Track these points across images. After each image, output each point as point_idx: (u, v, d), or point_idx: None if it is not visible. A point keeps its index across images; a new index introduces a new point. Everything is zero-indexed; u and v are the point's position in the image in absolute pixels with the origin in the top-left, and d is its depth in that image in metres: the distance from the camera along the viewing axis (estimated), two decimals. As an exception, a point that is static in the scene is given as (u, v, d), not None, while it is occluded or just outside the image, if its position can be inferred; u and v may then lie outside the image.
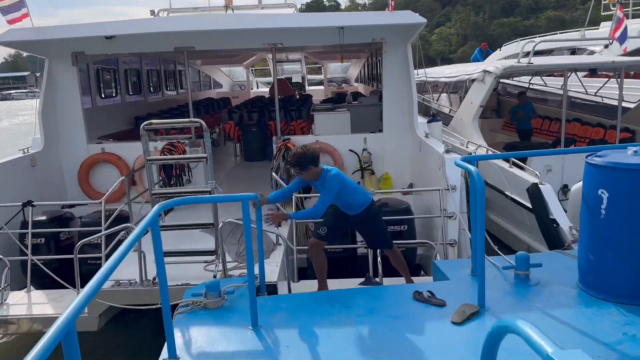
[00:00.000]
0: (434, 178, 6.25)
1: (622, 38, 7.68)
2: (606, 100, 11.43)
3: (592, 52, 14.53)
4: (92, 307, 4.93)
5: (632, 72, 9.22)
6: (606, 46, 13.73)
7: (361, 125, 8.89)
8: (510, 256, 4.55)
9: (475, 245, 4.25)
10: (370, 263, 5.54)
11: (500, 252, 4.62)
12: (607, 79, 11.77)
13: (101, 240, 5.54)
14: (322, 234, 4.84)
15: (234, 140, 10.74)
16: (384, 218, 5.99)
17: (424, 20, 6.99)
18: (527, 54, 9.11)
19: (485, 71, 8.69)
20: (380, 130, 8.40)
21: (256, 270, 4.41)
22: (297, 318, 3.77)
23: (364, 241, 6.56)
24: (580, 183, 7.27)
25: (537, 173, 6.69)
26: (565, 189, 8.24)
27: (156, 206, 3.11)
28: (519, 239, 7.65)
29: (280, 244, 5.46)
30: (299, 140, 8.30)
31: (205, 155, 4.78)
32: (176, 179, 7.08)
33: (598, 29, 15.08)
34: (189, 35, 7.53)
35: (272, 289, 4.65)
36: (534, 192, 6.42)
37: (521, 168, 7.37)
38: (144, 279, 4.87)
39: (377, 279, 5.16)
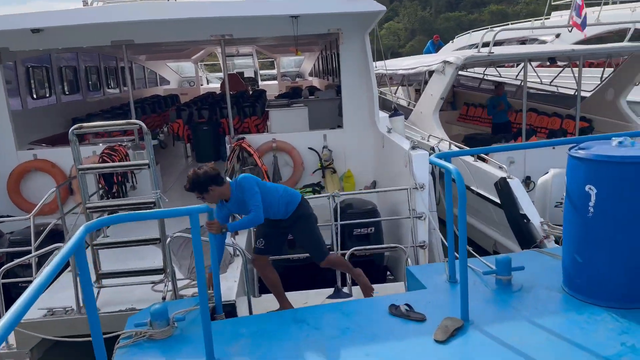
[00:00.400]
0: (400, 175, 5.89)
1: (583, 24, 7.58)
2: (561, 90, 11.48)
3: (543, 42, 14.66)
4: (22, 340, 4.27)
5: (582, 62, 9.18)
6: (557, 35, 13.88)
7: (320, 121, 8.45)
8: (487, 258, 4.24)
9: (450, 251, 3.92)
10: (338, 270, 5.12)
11: (476, 255, 4.27)
12: (562, 69, 11.82)
13: (32, 261, 4.85)
14: (261, 247, 4.40)
15: (184, 140, 10.04)
16: (349, 221, 5.62)
17: (383, 7, 6.60)
18: (486, 44, 8.91)
19: (445, 62, 8.42)
20: (340, 126, 7.99)
21: (211, 289, 3.92)
22: (259, 345, 3.29)
23: (328, 245, 6.14)
24: (547, 176, 7.16)
25: (505, 167, 6.45)
26: (527, 181, 8.11)
27: (80, 229, 2.55)
28: (487, 235, 7.43)
29: (237, 256, 4.94)
30: (255, 140, 7.78)
31: (146, 161, 4.19)
32: (118, 187, 6.39)
33: (549, 18, 15.24)
34: (127, 27, 6.83)
35: (230, 308, 4.13)
36: (503, 187, 6.17)
37: (484, 161, 7.14)
38: (81, 305, 4.25)
39: (346, 289, 4.74)
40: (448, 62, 8.35)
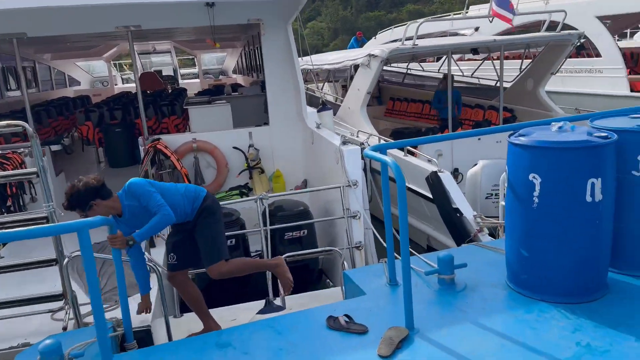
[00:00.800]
0: (331, 173, 5.54)
1: (510, 13, 7.62)
2: (482, 81, 11.72)
3: (463, 36, 14.97)
4: None
5: (503, 52, 9.32)
6: (476, 29, 14.21)
7: (245, 119, 7.95)
8: (427, 255, 3.97)
9: (390, 251, 3.60)
10: (269, 280, 4.69)
11: (416, 253, 3.99)
12: (482, 61, 12.08)
13: None
14: (173, 262, 3.86)
15: (95, 144, 9.14)
16: (280, 225, 5.20)
17: None
18: (409, 39, 8.79)
19: (370, 55, 8.20)
20: (267, 123, 7.53)
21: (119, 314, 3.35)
22: (178, 380, 2.79)
23: (258, 251, 5.70)
24: (476, 167, 7.09)
25: (435, 160, 6.30)
26: (455, 173, 8.08)
27: None
28: (419, 230, 7.29)
29: (152, 272, 4.36)
30: (173, 140, 7.15)
31: (34, 170, 3.52)
32: (13, 200, 5.55)
33: (467, 12, 15.61)
34: (15, 17, 5.97)
35: (144, 334, 3.58)
36: (434, 181, 6.01)
37: (414, 155, 6.99)
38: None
39: (279, 301, 4.31)
40: (373, 55, 8.14)
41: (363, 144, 7.61)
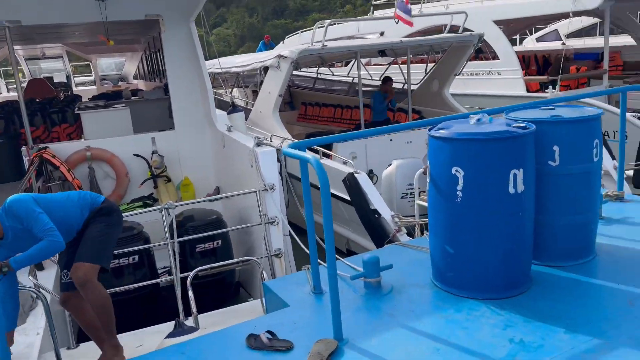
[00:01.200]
0: (246, 177, 5.19)
1: (408, 15, 7.76)
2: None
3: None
4: None
5: (409, 54, 9.48)
6: (382, 34, 14.50)
7: (147, 124, 7.34)
8: (351, 259, 3.77)
9: (313, 257, 3.33)
10: (178, 298, 4.24)
11: (340, 258, 3.76)
12: (388, 65, 12.30)
13: None
14: (66, 280, 3.33)
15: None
16: (190, 236, 4.76)
17: None
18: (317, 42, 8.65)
19: (280, 56, 7.95)
20: (172, 128, 6.98)
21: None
22: None
23: (166, 267, 5.20)
24: (390, 168, 7.04)
25: (351, 162, 6.17)
26: (370, 174, 8.05)
27: None
28: (338, 234, 7.12)
29: (37, 300, 3.75)
30: (63, 149, 6.40)
31: None
32: None
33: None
34: None
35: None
36: (351, 182, 5.87)
37: (329, 157, 6.83)
38: None
39: (191, 321, 3.87)
40: (283, 56, 7.89)
41: (278, 148, 7.34)
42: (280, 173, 4.90)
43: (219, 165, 6.64)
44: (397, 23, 8.69)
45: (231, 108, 6.55)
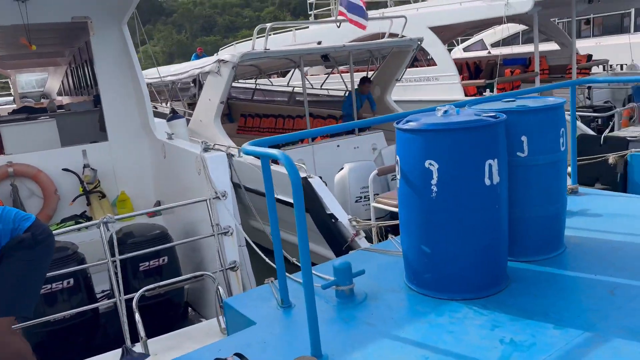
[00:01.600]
0: (193, 187, 4.79)
1: (363, 18, 7.66)
2: (332, 92, 11.85)
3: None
4: None
5: (352, 59, 9.36)
6: (319, 43, 14.45)
7: (76, 136, 6.72)
8: (318, 267, 3.49)
9: (280, 268, 3.03)
10: (124, 322, 3.78)
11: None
12: (328, 75, 12.25)
13: None
14: None
15: None
16: (132, 253, 4.29)
17: None
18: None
19: (220, 61, 7.59)
20: (105, 139, 6.42)
21: None
22: None
23: (105, 290, 4.70)
24: (343, 171, 6.87)
25: (304, 166, 5.92)
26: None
27: None
28: (292, 243, 6.82)
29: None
30: (-21, 165, 5.67)
31: None
32: None
33: (308, 27, 15.87)
34: None
35: None
36: (305, 187, 5.62)
37: (276, 163, 6.55)
38: None
39: (139, 347, 3.43)
40: (223, 60, 7.55)
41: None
42: (232, 179, 4.55)
43: (160, 178, 6.15)
44: (339, 27, 8.58)
45: (171, 115, 6.10)
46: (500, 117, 2.93)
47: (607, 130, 7.74)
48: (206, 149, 4.48)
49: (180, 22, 77.16)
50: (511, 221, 3.21)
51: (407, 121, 3.05)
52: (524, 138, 3.23)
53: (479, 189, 2.83)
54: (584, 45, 13.53)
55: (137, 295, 3.77)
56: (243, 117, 13.39)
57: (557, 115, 3.29)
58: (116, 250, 3.98)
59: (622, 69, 14.45)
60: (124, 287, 4.39)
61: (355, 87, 8.98)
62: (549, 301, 2.80)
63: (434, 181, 2.84)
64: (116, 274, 4.09)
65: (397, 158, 3.06)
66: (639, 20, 16.20)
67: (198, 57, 19.31)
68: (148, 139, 6.11)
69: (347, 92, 9.53)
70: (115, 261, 3.97)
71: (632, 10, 15.76)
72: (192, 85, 11.15)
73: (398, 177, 3.07)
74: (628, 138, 7.57)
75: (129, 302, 3.86)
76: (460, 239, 2.88)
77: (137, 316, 3.66)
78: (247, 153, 2.60)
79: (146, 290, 3.82)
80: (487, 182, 2.83)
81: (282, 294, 2.99)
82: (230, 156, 4.49)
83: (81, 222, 6.18)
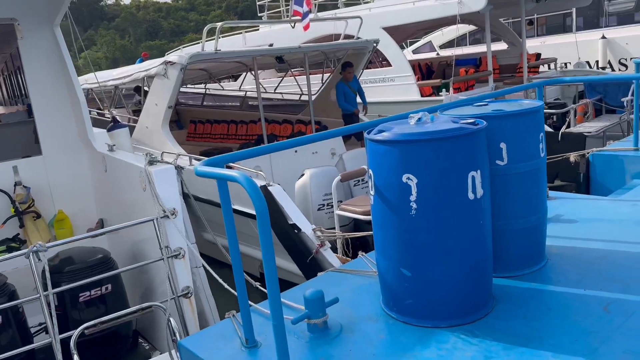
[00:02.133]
0: (138, 204, 4.30)
1: (305, 17, 7.35)
2: (286, 96, 11.49)
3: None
4: None
5: (307, 60, 9.00)
6: (270, 45, 14.05)
7: (6, 151, 6.03)
8: (286, 294, 3.13)
9: (242, 298, 2.64)
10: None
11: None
12: (282, 77, 11.87)
13: None
14: None
15: None
16: (69, 285, 3.78)
17: None
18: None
19: (167, 63, 7.08)
20: (39, 153, 5.78)
21: None
22: None
23: (42, 324, 4.16)
24: (304, 178, 6.49)
25: (262, 173, 5.54)
26: (280, 186, 7.51)
27: None
28: (251, 256, 6.43)
29: None
30: None
31: None
32: None
33: (258, 29, 15.43)
34: None
35: None
36: (265, 196, 5.22)
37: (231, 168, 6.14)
38: None
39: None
40: (170, 62, 7.04)
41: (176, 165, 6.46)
42: (183, 195, 4.09)
43: (102, 194, 5.58)
44: (293, 27, 8.24)
45: (112, 124, 5.54)
46: (480, 124, 2.67)
47: (564, 127, 7.79)
48: (152, 162, 4.00)
49: (123, 26, 75.47)
50: (493, 235, 2.96)
51: (379, 131, 2.74)
52: (502, 145, 2.99)
53: (462, 204, 2.55)
54: (530, 45, 13.77)
55: (75, 334, 3.30)
56: (193, 124, 12.80)
57: (537, 119, 3.07)
58: (49, 283, 3.47)
59: (566, 67, 14.87)
60: (63, 319, 3.89)
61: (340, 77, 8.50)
62: (541, 323, 2.55)
63: (413, 197, 2.54)
64: (51, 308, 3.58)
65: (370, 172, 2.74)
66: (579, 21, 16.77)
67: (143, 61, 18.50)
68: (87, 151, 5.54)
69: (338, 83, 8.90)
70: (48, 295, 3.45)
71: (574, 10, 16.26)
72: (135, 92, 10.53)
73: (372, 193, 2.76)
74: (585, 133, 7.65)
75: (67, 339, 3.38)
76: (444, 260, 2.59)
77: (76, 357, 3.19)
78: (201, 175, 2.20)
79: (86, 328, 3.34)
80: (471, 195, 2.56)
81: (246, 331, 2.60)
82: (179, 169, 4.03)
83: (14, 247, 5.55)
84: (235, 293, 2.65)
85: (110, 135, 5.35)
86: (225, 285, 3.12)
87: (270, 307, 2.14)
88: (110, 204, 5.26)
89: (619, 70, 14.89)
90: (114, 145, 5.06)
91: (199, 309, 3.88)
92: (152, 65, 7.57)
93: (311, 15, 7.42)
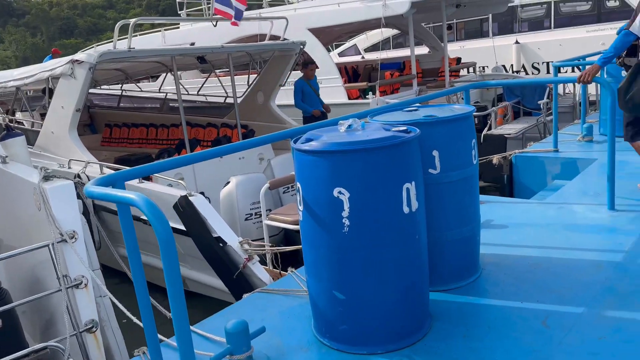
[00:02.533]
0: (33, 226, 3.74)
1: (238, 16, 6.96)
2: (210, 99, 10.98)
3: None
4: None
5: (232, 61, 8.61)
6: (192, 44, 13.43)
7: None
8: (205, 322, 2.79)
9: (150, 331, 2.27)
10: None
11: (198, 330, 2.71)
12: (206, 78, 11.35)
13: None
14: None
15: None
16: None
17: None
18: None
19: (73, 62, 6.41)
20: None
21: None
22: None
23: None
24: (229, 186, 6.09)
25: (182, 182, 5.12)
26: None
27: None
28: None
29: None
30: None
31: None
32: None
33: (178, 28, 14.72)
34: None
35: None
36: (185, 208, 4.81)
37: (149, 180, 5.66)
38: None
39: None
40: (77, 61, 6.38)
41: (79, 176, 5.84)
42: (86, 212, 3.60)
43: (-4, 211, 4.90)
44: (215, 25, 7.80)
45: (5, 133, 4.86)
46: (413, 132, 2.48)
47: (486, 129, 7.95)
48: (47, 177, 3.45)
49: (34, 23, 71.20)
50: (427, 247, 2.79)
51: (307, 139, 2.48)
52: (435, 153, 2.83)
53: (397, 219, 2.35)
54: (450, 49, 14.15)
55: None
56: (108, 128, 11.93)
57: (468, 125, 2.94)
58: None
59: (484, 70, 15.46)
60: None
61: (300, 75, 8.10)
62: (482, 344, 2.40)
63: (345, 213, 2.30)
64: None
65: (298, 185, 2.47)
66: (495, 26, 17.55)
67: (53, 58, 17.14)
68: (-25, 163, 4.84)
69: (297, 80, 8.40)
70: None
71: (490, 16, 16.96)
72: (42, 94, 9.59)
73: (300, 208, 2.49)
74: (505, 135, 7.85)
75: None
76: (379, 281, 2.37)
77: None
78: (93, 197, 1.82)
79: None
80: (406, 209, 2.36)
81: (156, 377, 2.24)
82: (79, 185, 3.54)
83: None
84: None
85: (2, 145, 4.68)
86: (134, 319, 2.72)
87: (180, 350, 1.80)
88: (4, 223, 4.60)
89: (532, 73, 15.70)
90: (7, 156, 4.42)
91: (105, 344, 3.41)
92: (57, 64, 6.83)
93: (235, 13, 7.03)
